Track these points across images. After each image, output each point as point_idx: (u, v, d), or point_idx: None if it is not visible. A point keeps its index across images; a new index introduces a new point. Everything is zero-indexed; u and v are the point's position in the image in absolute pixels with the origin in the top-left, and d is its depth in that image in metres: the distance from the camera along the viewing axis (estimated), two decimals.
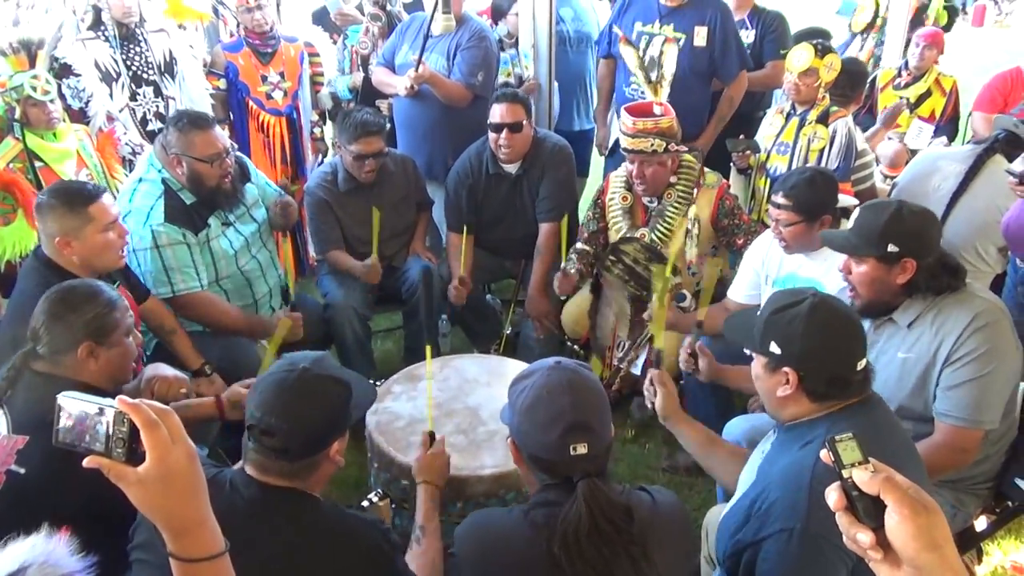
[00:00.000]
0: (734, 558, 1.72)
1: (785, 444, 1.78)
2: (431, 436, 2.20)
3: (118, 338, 2.07)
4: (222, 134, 2.98)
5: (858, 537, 0.91)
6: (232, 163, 3.00)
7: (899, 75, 4.84)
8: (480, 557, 1.58)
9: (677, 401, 2.22)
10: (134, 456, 0.96)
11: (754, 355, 1.82)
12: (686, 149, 3.22)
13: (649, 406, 2.26)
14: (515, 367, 2.77)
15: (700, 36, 3.75)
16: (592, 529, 1.47)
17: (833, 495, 0.94)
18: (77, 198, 2.44)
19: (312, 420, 1.60)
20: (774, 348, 1.73)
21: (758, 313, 1.82)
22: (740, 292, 3.04)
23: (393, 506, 2.38)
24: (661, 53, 3.44)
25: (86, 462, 0.96)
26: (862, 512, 0.92)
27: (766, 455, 1.85)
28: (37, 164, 3.22)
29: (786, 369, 1.71)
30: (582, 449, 1.53)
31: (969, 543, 2.34)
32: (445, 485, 2.13)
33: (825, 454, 0.97)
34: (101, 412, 0.97)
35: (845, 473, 0.94)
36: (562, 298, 3.45)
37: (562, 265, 3.40)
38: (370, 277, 3.43)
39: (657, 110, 3.13)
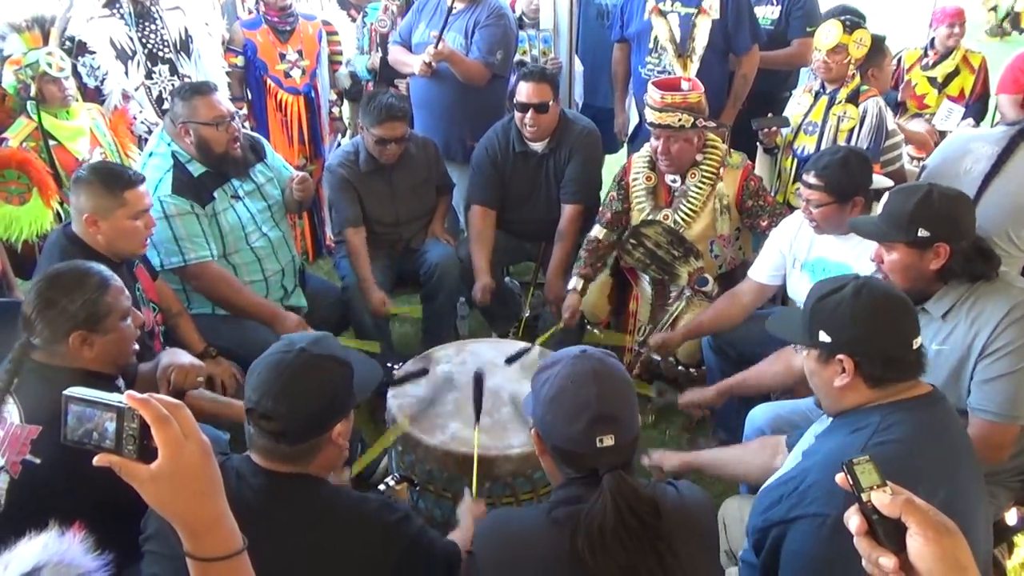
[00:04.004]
0: (762, 533, 1.68)
1: (836, 428, 1.73)
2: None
3: (112, 323, 1.97)
4: (225, 99, 3.00)
5: (881, 561, 0.90)
6: (238, 128, 3.01)
7: (925, 55, 4.73)
8: (500, 558, 1.54)
9: (673, 453, 2.37)
10: (146, 453, 0.93)
11: (804, 350, 1.76)
12: (714, 125, 3.15)
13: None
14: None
15: (713, 9, 3.67)
16: (618, 523, 1.42)
17: (855, 519, 0.94)
18: (117, 181, 2.45)
19: (311, 402, 1.55)
20: (824, 337, 1.67)
21: (799, 308, 1.76)
22: (762, 272, 2.97)
23: (417, 488, 2.38)
24: (693, 26, 3.37)
25: (96, 460, 0.93)
26: (883, 536, 0.91)
27: (817, 437, 1.80)
28: (51, 143, 3.22)
29: (840, 357, 1.65)
30: (608, 441, 1.48)
31: (1000, 536, 2.29)
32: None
33: (842, 478, 0.97)
34: (110, 408, 0.93)
35: (864, 496, 0.94)
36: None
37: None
38: (375, 310, 3.35)
39: (685, 85, 3.06)
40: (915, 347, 1.64)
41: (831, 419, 1.79)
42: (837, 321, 1.65)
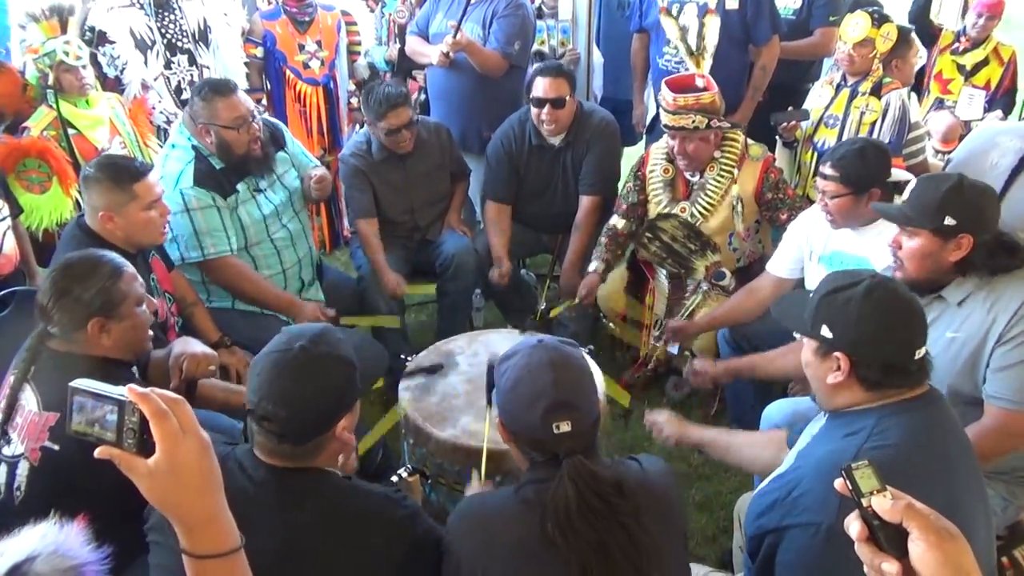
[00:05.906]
0: (756, 540, 1.67)
1: (830, 431, 1.70)
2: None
3: (128, 310, 1.98)
4: (246, 98, 2.95)
5: (883, 567, 0.88)
6: (260, 127, 2.97)
7: (957, 40, 4.65)
8: (471, 537, 1.56)
9: (679, 420, 2.30)
10: (146, 447, 0.93)
11: (804, 339, 1.73)
12: (729, 125, 3.11)
13: (661, 441, 2.34)
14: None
15: None
16: (581, 505, 1.46)
17: (856, 525, 0.92)
18: (124, 175, 2.44)
19: (312, 404, 1.50)
20: (826, 332, 1.63)
21: (810, 295, 1.72)
22: (781, 266, 2.93)
23: (428, 482, 2.38)
24: (702, 25, 3.32)
25: (97, 452, 0.93)
26: (884, 541, 0.90)
27: (812, 438, 1.77)
28: (70, 132, 3.24)
29: (838, 354, 1.62)
30: (565, 427, 1.51)
31: (1020, 538, 2.25)
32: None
33: (841, 483, 0.95)
34: (112, 401, 0.94)
35: (864, 502, 0.92)
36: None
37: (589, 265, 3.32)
38: (391, 291, 3.36)
39: (699, 83, 3.02)
40: (917, 357, 1.60)
41: (826, 417, 1.76)
42: (842, 318, 1.61)
